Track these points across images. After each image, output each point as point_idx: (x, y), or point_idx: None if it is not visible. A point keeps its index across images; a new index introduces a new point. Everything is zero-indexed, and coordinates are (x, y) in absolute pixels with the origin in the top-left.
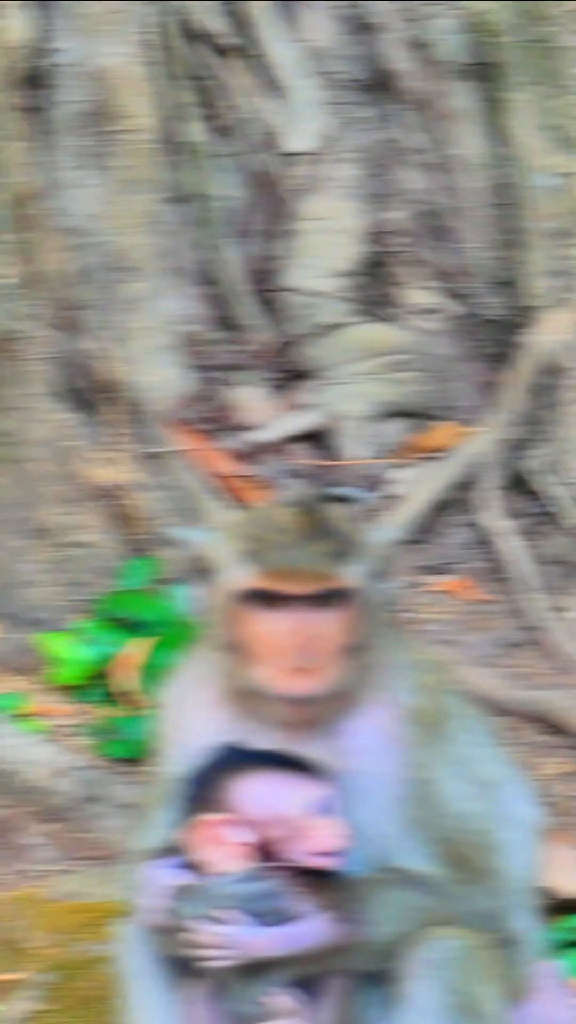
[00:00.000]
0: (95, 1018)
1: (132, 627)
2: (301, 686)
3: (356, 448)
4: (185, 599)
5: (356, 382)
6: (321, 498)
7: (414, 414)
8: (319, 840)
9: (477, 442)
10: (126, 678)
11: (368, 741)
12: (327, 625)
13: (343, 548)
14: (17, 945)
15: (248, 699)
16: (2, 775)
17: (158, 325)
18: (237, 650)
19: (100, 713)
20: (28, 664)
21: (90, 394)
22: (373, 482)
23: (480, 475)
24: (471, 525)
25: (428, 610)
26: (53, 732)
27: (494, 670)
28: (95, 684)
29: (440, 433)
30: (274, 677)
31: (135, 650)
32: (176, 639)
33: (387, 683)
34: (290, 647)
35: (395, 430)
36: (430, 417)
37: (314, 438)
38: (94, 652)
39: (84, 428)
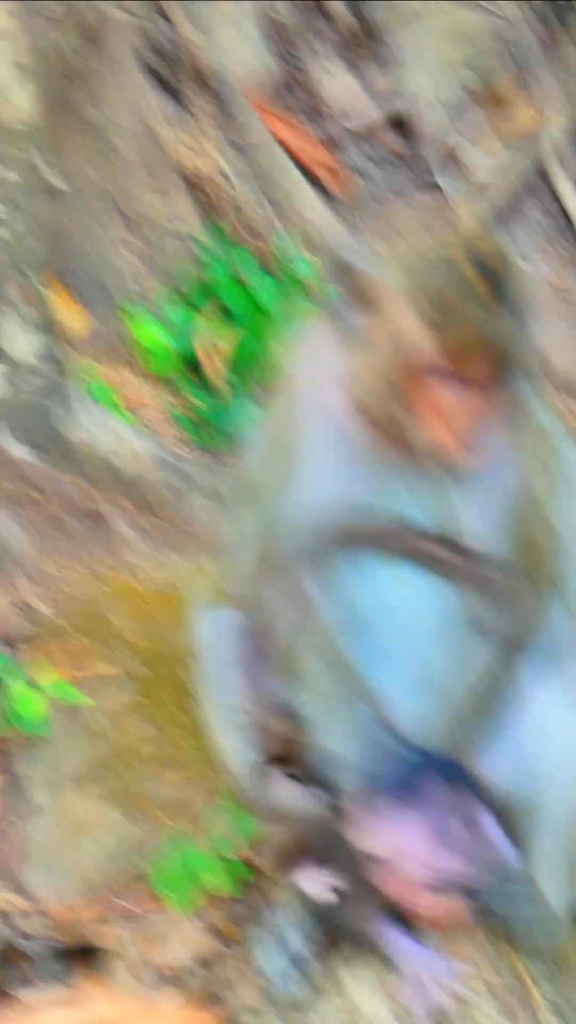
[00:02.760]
0: (189, 712)
1: (222, 317)
2: (456, 454)
3: (444, 136)
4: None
5: (441, 68)
6: (505, 252)
7: (498, 100)
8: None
9: (561, 125)
10: (216, 368)
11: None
12: (498, 400)
13: (524, 317)
14: (111, 638)
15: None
16: (97, 466)
17: (245, 11)
18: (395, 403)
19: (191, 403)
20: (118, 354)
21: (179, 83)
22: (459, 170)
23: (564, 160)
24: (552, 213)
25: None
26: (145, 422)
27: None
28: (185, 374)
29: (524, 117)
30: (433, 442)
31: (225, 340)
32: (266, 330)
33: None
34: (457, 423)
35: (479, 117)
36: (513, 103)
37: (400, 125)
38: (184, 342)
39: (175, 117)
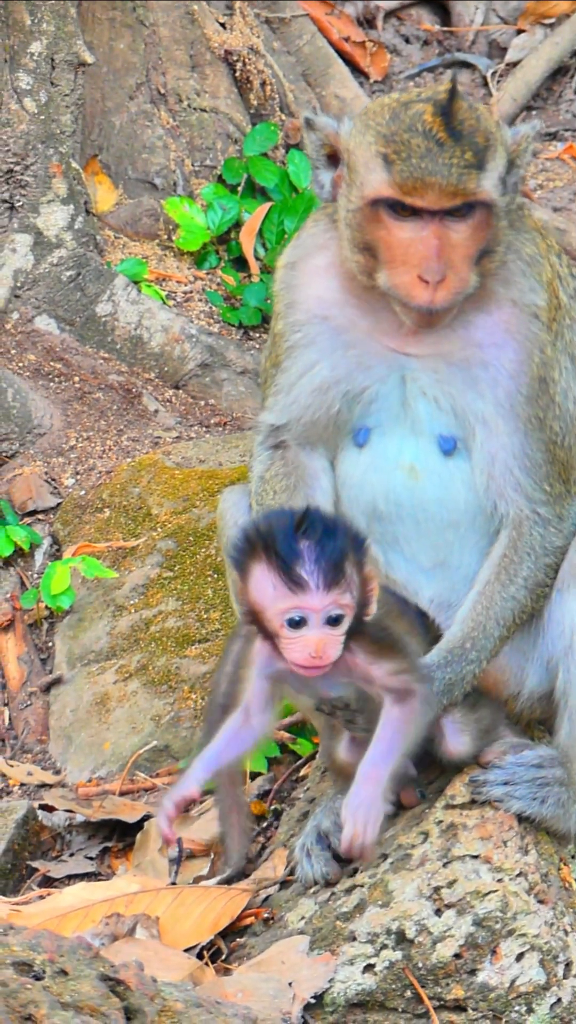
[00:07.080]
0: (213, 585)
1: (252, 193)
2: (429, 297)
3: (475, 14)
4: (314, 183)
5: None
6: (459, 92)
7: None
8: None
9: None
10: (246, 244)
11: (493, 335)
12: (460, 236)
13: (482, 155)
14: (137, 512)
15: (371, 293)
16: (125, 341)
17: None
18: (365, 250)
19: (220, 279)
20: (149, 231)
21: None
22: (492, 49)
23: None
24: None
25: (540, 177)
26: (174, 298)
27: None
28: (215, 250)
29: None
30: (403, 284)
31: (255, 216)
32: (295, 205)
33: (513, 279)
34: (421, 258)
35: None
36: None
37: (434, 3)
38: (214, 218)
39: None
